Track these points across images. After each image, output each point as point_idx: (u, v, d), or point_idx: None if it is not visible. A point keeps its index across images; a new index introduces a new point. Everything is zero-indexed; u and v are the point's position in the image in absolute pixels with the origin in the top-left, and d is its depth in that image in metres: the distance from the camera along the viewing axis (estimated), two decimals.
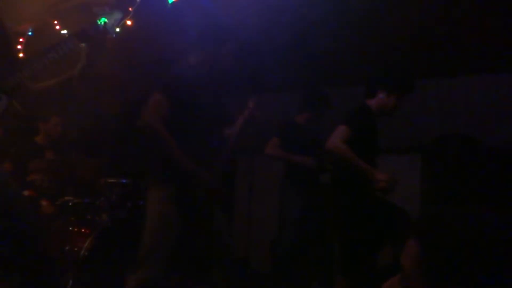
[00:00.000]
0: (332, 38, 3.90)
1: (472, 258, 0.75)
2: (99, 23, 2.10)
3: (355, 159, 2.66)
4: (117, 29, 3.79)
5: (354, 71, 4.11)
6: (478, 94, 4.09)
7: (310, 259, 3.92)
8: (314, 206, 3.63)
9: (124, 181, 3.54)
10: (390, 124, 3.23)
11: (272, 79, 4.26)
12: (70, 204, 3.40)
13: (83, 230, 3.28)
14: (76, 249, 3.09)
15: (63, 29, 4.13)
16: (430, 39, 3.79)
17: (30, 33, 4.33)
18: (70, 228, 3.31)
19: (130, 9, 3.68)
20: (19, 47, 4.28)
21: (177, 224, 2.28)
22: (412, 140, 4.10)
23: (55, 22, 4.17)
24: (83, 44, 2.09)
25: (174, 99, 2.52)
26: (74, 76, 2.17)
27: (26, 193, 3.22)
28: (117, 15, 2.06)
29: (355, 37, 3.90)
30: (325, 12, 3.59)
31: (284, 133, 3.73)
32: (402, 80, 2.89)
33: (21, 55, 4.26)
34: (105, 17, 2.03)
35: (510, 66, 3.81)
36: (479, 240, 0.75)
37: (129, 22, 3.73)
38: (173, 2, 3.52)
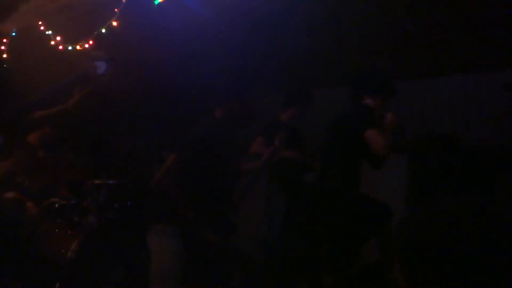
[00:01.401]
0: (317, 38, 3.95)
1: (453, 255, 0.78)
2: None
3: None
4: (103, 30, 3.80)
5: (337, 72, 4.17)
6: (460, 94, 4.18)
7: (298, 258, 3.97)
8: (299, 204, 3.67)
9: (111, 182, 3.52)
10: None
11: (260, 78, 4.30)
12: (57, 205, 3.38)
13: (70, 232, 3.26)
14: (63, 251, 3.08)
15: (48, 30, 4.11)
16: (412, 40, 3.87)
17: (14, 34, 4.29)
18: (57, 230, 3.29)
19: (116, 10, 3.67)
20: (2, 47, 4.24)
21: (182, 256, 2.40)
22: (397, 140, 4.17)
23: (40, 22, 4.14)
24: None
25: (191, 161, 2.69)
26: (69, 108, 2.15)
27: (11, 195, 3.20)
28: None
29: (338, 37, 3.95)
30: (309, 12, 3.64)
31: (268, 131, 3.77)
32: (384, 84, 2.98)
33: (4, 56, 4.22)
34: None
35: (491, 65, 3.91)
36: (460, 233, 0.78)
37: (114, 23, 3.72)
38: (159, 3, 3.52)
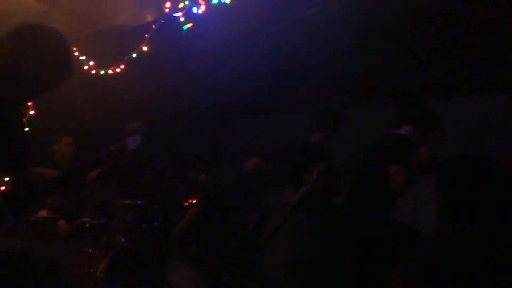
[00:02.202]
0: (346, 60, 3.97)
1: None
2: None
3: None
4: (134, 55, 3.94)
5: (366, 92, 4.16)
6: (491, 114, 4.10)
7: (326, 283, 3.90)
8: (326, 227, 3.63)
9: (139, 202, 3.59)
10: None
11: (286, 100, 4.35)
12: (87, 225, 3.46)
13: (99, 251, 3.33)
14: (92, 270, 3.14)
15: (82, 55, 4.28)
16: (442, 60, 3.84)
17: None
18: (86, 249, 3.36)
19: (146, 35, 3.81)
20: None
21: None
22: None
23: (74, 48, 4.32)
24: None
25: (214, 213, 2.80)
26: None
27: (44, 213, 3.29)
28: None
29: (367, 58, 3.96)
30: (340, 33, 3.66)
31: (298, 154, 3.74)
32: (429, 118, 2.95)
33: None
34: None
35: None
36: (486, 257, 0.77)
37: (145, 48, 3.85)
38: (187, 28, 3.63)
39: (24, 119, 4.18)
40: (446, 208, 1.75)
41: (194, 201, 4.57)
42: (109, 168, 2.36)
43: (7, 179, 1.75)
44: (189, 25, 3.49)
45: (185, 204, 4.54)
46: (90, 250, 3.33)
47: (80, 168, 1.84)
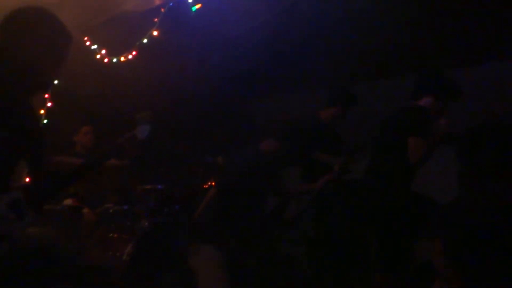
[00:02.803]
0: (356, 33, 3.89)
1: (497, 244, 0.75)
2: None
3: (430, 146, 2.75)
4: (144, 40, 3.93)
5: (381, 64, 4.08)
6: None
7: (346, 258, 3.92)
8: (346, 203, 3.63)
9: (159, 187, 3.64)
10: None
11: (301, 77, 4.30)
12: (111, 211, 3.52)
13: (123, 236, 3.40)
14: (118, 254, 3.21)
15: (93, 45, 4.30)
16: (457, 27, 3.73)
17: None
18: (111, 235, 3.43)
19: (155, 19, 3.79)
20: None
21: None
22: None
23: (85, 38, 4.34)
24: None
25: (232, 194, 2.83)
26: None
27: (69, 202, 3.37)
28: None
29: (380, 29, 3.87)
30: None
31: (310, 131, 3.71)
32: (451, 88, 2.87)
33: None
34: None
35: None
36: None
37: (155, 33, 3.84)
38: (196, 9, 3.60)
39: (42, 111, 4.25)
40: (469, 177, 1.72)
41: (213, 184, 4.61)
42: (125, 159, 2.39)
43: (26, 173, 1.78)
44: (198, 6, 3.46)
45: (204, 186, 4.59)
46: (115, 235, 3.40)
47: (94, 161, 1.87)
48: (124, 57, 4.08)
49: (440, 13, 3.63)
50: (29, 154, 1.73)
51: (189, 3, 3.49)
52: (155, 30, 3.80)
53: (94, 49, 4.27)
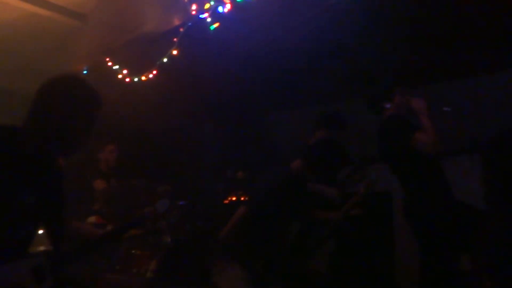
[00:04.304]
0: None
1: None
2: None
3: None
4: (164, 59, 4.02)
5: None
6: None
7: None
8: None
9: (181, 203, 3.66)
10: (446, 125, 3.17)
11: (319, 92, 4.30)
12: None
13: (146, 253, 3.43)
14: (142, 271, 3.24)
15: (115, 65, 4.42)
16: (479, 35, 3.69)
17: (85, 72, 4.66)
18: (133, 251, 3.47)
19: (175, 39, 3.88)
20: None
21: None
22: (466, 139, 3.97)
23: (107, 59, 4.47)
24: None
25: (262, 214, 2.84)
26: None
27: (92, 219, 3.42)
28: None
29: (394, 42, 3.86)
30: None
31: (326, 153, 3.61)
32: (395, 81, 2.92)
33: None
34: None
35: None
36: None
37: (174, 52, 3.93)
38: (214, 28, 3.67)
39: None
40: (495, 188, 1.67)
41: (234, 199, 4.62)
42: (145, 230, 2.53)
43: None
44: (216, 24, 3.53)
45: (225, 202, 4.60)
46: (138, 252, 3.44)
47: (117, 231, 1.98)
48: (145, 76, 4.18)
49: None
50: (50, 220, 1.76)
51: (207, 22, 3.56)
52: (175, 49, 3.89)
53: (115, 69, 4.38)
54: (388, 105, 2.88)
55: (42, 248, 1.81)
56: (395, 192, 3.44)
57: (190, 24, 3.74)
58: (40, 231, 1.74)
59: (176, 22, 3.88)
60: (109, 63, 4.43)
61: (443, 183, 2.79)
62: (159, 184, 3.79)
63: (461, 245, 2.66)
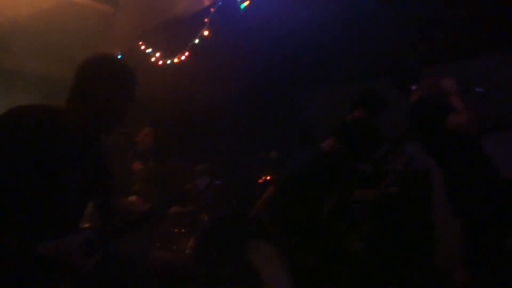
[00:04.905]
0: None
1: None
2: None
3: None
4: (196, 41, 4.04)
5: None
6: None
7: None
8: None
9: (217, 182, 3.73)
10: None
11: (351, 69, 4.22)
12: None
13: (184, 231, 3.52)
14: (181, 248, 3.33)
15: (148, 48, 4.48)
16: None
17: (119, 57, 4.75)
18: (173, 229, 3.56)
19: (206, 19, 3.88)
20: None
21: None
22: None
23: (140, 43, 4.53)
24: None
25: (291, 194, 2.82)
26: None
27: (133, 199, 3.53)
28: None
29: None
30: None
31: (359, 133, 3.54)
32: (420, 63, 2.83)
33: None
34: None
35: None
36: None
37: (206, 33, 3.93)
38: (244, 7, 3.64)
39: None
40: None
41: (268, 178, 4.64)
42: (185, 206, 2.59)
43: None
44: (247, 2, 3.50)
45: (259, 181, 4.64)
46: (176, 230, 3.53)
47: (160, 207, 2.00)
48: (178, 59, 4.22)
49: None
50: (99, 197, 1.84)
51: (238, 1, 3.54)
52: (206, 30, 3.89)
53: (148, 52, 4.44)
54: (414, 87, 2.80)
55: (91, 224, 1.90)
56: (433, 170, 3.35)
57: (220, 3, 3.73)
58: (89, 209, 1.82)
59: (207, 2, 3.88)
60: (142, 47, 4.49)
61: (484, 160, 2.71)
62: (196, 165, 3.85)
63: (507, 224, 2.58)
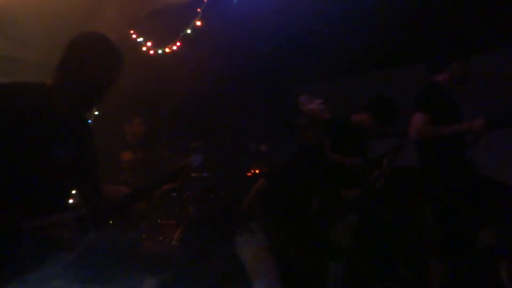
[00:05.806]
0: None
1: None
2: None
3: (442, 129, 2.61)
4: (188, 31, 3.99)
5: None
6: None
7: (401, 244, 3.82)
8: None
9: (205, 174, 3.71)
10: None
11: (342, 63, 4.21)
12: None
13: (171, 222, 3.50)
14: (167, 240, 3.32)
15: (139, 37, 4.42)
16: None
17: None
18: (159, 221, 3.55)
19: (198, 10, 3.84)
20: None
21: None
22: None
23: (131, 31, 4.46)
24: None
25: (281, 186, 2.83)
26: None
27: (121, 188, 3.50)
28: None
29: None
30: None
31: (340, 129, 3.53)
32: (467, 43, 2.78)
33: None
34: None
35: None
36: None
37: (198, 23, 3.89)
38: None
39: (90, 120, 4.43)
40: None
41: (257, 171, 4.64)
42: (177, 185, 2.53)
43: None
44: None
45: (248, 174, 4.63)
46: (164, 222, 3.52)
47: (150, 186, 1.94)
48: (169, 48, 4.17)
49: None
50: (85, 176, 1.83)
51: None
52: (199, 20, 3.85)
53: (140, 41, 4.38)
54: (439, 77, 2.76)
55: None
56: (416, 166, 3.38)
57: None
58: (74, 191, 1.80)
59: None
60: (134, 36, 4.43)
61: (462, 158, 2.74)
62: (184, 156, 3.83)
63: (480, 220, 2.62)
